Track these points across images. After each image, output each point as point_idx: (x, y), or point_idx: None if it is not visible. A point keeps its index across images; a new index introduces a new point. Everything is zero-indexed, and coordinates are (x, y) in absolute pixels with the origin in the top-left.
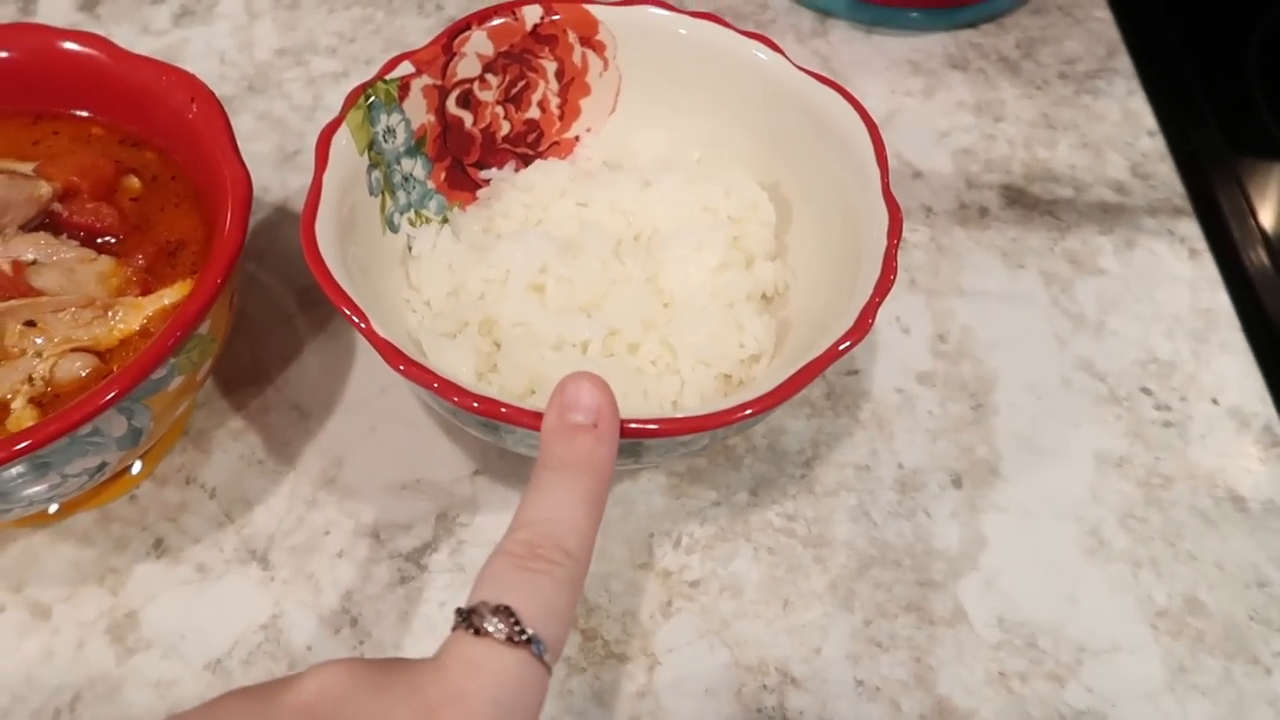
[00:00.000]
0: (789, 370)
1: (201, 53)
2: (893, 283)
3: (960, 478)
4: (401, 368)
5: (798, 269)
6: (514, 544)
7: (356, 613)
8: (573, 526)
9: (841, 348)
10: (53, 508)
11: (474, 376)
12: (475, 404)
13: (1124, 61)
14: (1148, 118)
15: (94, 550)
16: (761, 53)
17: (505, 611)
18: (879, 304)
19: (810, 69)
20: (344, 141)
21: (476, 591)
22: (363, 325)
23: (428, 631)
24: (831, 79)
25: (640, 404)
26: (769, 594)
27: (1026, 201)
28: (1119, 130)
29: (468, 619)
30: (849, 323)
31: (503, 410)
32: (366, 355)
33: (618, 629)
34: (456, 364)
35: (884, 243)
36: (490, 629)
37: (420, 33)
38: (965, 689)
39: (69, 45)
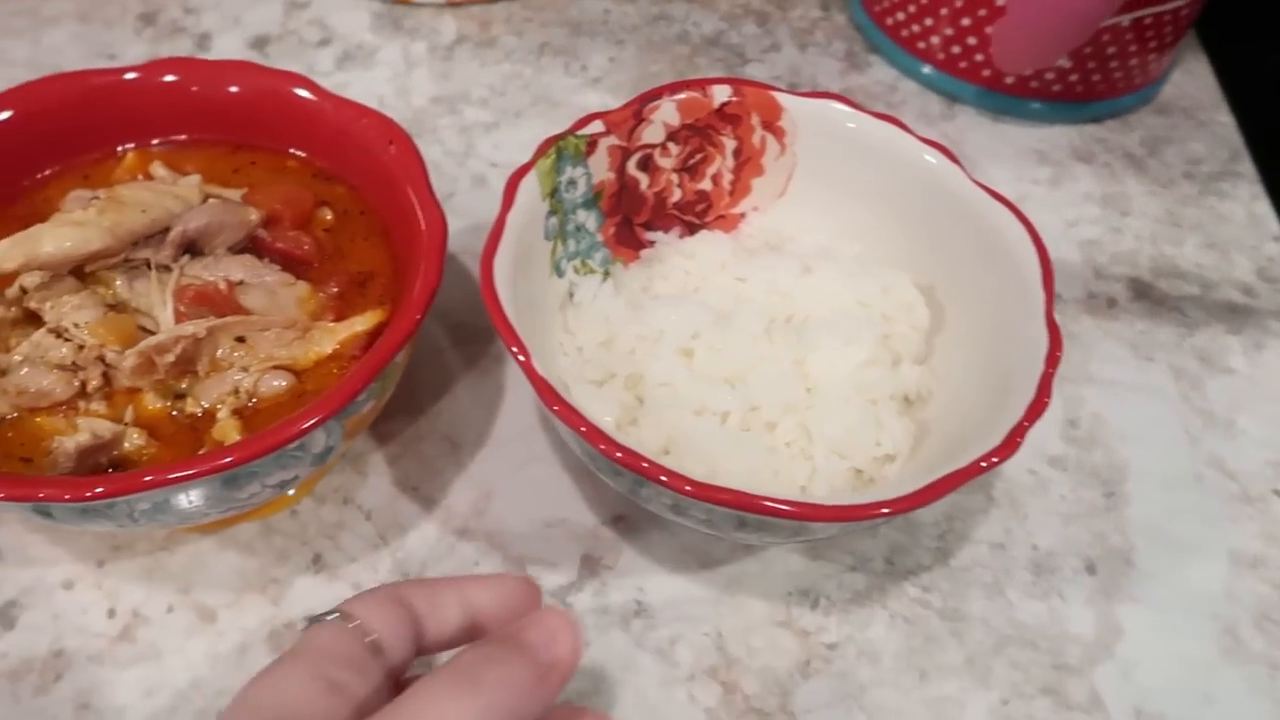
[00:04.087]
0: (929, 476)
1: (361, 96)
2: (1046, 408)
3: (1094, 564)
4: (555, 408)
5: (942, 375)
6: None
7: None
8: None
9: (984, 465)
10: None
11: (614, 427)
12: (619, 454)
13: (1247, 166)
14: (1272, 223)
15: (257, 560)
16: (936, 160)
17: None
18: (1028, 428)
19: (985, 185)
20: (531, 186)
21: None
22: (523, 359)
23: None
24: (1005, 197)
25: (769, 482)
26: (906, 663)
27: (1154, 296)
28: (1244, 233)
29: None
30: (996, 440)
31: (644, 465)
32: (514, 394)
33: (757, 684)
34: (599, 412)
35: (1041, 368)
36: None
37: (564, 90)
38: None
39: (278, 84)
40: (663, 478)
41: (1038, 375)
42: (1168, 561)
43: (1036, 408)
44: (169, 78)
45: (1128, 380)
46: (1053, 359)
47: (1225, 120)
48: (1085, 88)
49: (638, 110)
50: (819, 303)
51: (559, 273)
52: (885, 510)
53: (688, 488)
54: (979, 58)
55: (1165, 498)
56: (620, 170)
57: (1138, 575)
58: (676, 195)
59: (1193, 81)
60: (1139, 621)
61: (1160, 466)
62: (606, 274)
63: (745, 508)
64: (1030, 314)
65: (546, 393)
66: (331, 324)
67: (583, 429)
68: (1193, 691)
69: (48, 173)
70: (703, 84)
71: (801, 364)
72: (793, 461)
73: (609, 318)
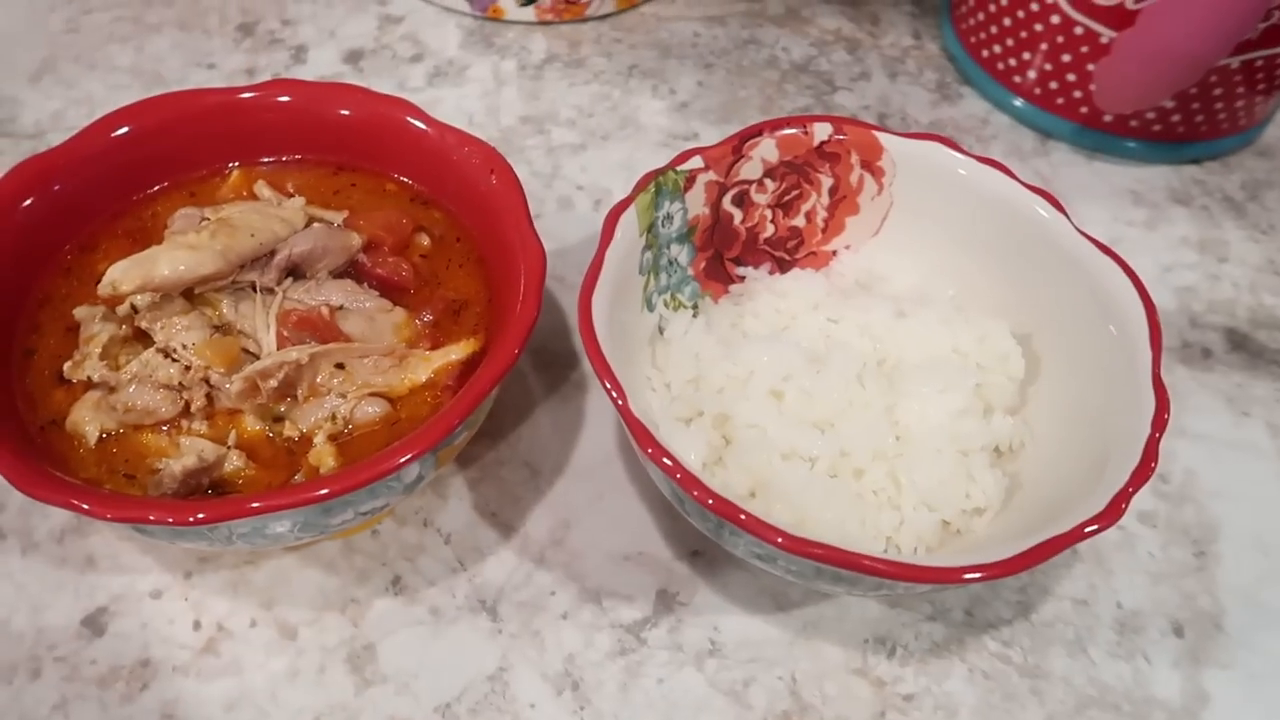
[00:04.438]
0: (1026, 538)
1: (452, 113)
2: (1152, 474)
3: (1182, 627)
4: (650, 451)
5: (1035, 427)
6: None
7: (579, 677)
8: None
9: (1088, 530)
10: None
11: (700, 467)
12: (711, 501)
13: None
14: None
15: (338, 579)
16: (1043, 209)
17: None
18: (1133, 494)
19: (1092, 236)
20: (630, 221)
21: None
22: (621, 403)
23: (647, 707)
24: (1113, 250)
25: (857, 532)
26: None
27: (1251, 348)
28: None
29: None
30: (1099, 506)
31: (742, 517)
32: (594, 422)
33: None
34: (686, 451)
35: (1146, 431)
36: None
37: (651, 113)
38: None
39: (389, 109)
40: (756, 529)
41: (1143, 438)
42: (1259, 628)
43: (1142, 473)
44: (283, 98)
45: (1222, 435)
46: (1159, 422)
47: None
48: (1186, 128)
49: (737, 146)
50: (913, 348)
51: (649, 307)
52: (982, 576)
53: (780, 540)
54: (1077, 94)
55: (1259, 560)
56: (715, 205)
57: (1227, 641)
58: (769, 231)
59: None
60: (1227, 689)
61: (1254, 527)
62: (695, 308)
63: (841, 564)
64: (1135, 373)
65: (642, 436)
66: (427, 352)
67: (679, 475)
68: None
69: (156, 189)
70: (804, 121)
71: (892, 410)
72: (880, 511)
73: (699, 355)
